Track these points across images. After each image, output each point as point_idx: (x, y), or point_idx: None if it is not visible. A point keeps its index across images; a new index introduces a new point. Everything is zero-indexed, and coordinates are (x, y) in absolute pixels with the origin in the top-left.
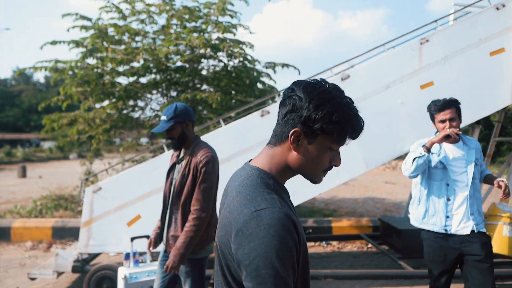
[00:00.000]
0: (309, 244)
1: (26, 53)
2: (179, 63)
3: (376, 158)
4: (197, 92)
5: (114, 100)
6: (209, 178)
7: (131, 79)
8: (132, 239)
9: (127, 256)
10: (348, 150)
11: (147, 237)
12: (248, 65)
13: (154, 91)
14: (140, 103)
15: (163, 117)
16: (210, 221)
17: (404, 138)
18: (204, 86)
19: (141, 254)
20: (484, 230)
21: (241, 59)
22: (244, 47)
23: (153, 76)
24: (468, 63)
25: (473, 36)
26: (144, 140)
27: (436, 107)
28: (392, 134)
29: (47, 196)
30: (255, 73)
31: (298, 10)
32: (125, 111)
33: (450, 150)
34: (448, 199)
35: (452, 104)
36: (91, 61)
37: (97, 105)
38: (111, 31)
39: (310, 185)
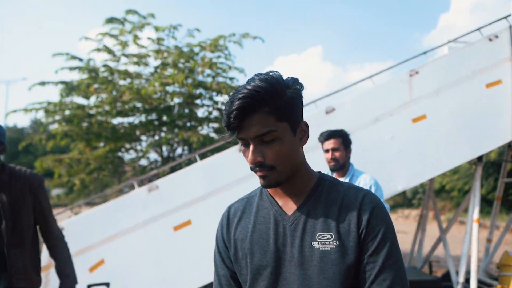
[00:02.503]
0: None
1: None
2: (173, 103)
3: None
4: (181, 132)
5: (103, 141)
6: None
7: (119, 120)
8: (89, 286)
9: None
10: None
11: (107, 284)
12: None
13: (143, 132)
14: (127, 145)
15: None
16: None
17: (396, 175)
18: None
19: None
20: None
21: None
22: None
23: (142, 117)
24: (463, 95)
25: (466, 68)
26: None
27: (322, 137)
28: (382, 171)
29: None
30: None
31: (309, 63)
32: (119, 154)
33: None
34: None
35: (336, 135)
36: (79, 100)
37: (83, 146)
38: (103, 70)
39: None
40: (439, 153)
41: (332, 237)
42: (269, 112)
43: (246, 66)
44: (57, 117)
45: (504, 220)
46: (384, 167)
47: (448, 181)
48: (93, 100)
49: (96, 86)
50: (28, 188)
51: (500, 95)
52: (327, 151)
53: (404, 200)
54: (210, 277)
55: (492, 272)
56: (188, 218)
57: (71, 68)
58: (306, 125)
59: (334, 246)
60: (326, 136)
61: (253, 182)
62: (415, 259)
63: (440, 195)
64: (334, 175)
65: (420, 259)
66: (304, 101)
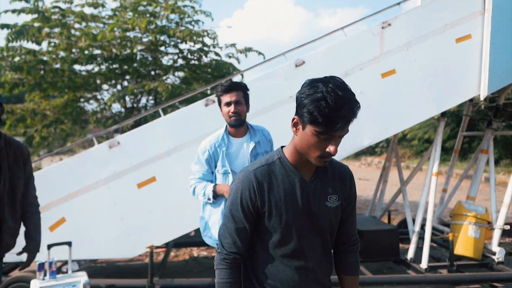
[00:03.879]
0: None
1: None
2: (136, 52)
3: None
4: (146, 82)
5: (60, 91)
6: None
7: (79, 68)
8: (49, 246)
9: (40, 266)
10: None
11: (69, 243)
12: (211, 53)
13: (104, 82)
14: (88, 94)
15: None
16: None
17: (364, 130)
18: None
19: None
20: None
21: (199, 46)
22: (204, 34)
23: (104, 65)
24: (433, 49)
25: (438, 21)
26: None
27: (222, 88)
28: (350, 126)
29: None
30: (214, 61)
31: (280, 7)
32: (80, 104)
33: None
34: None
35: (239, 87)
36: (30, 46)
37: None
38: (53, 12)
39: None
40: (405, 108)
41: (337, 198)
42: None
43: (213, 9)
44: (4, 64)
45: (458, 167)
46: (352, 122)
47: (409, 130)
48: (45, 45)
49: (47, 30)
50: (20, 155)
51: (469, 50)
52: (228, 104)
53: (368, 148)
54: (176, 233)
55: (445, 220)
56: (152, 174)
57: (16, 11)
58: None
59: (338, 204)
60: (227, 87)
61: None
62: (376, 209)
63: (401, 143)
64: (230, 131)
65: (380, 209)
66: (274, 51)
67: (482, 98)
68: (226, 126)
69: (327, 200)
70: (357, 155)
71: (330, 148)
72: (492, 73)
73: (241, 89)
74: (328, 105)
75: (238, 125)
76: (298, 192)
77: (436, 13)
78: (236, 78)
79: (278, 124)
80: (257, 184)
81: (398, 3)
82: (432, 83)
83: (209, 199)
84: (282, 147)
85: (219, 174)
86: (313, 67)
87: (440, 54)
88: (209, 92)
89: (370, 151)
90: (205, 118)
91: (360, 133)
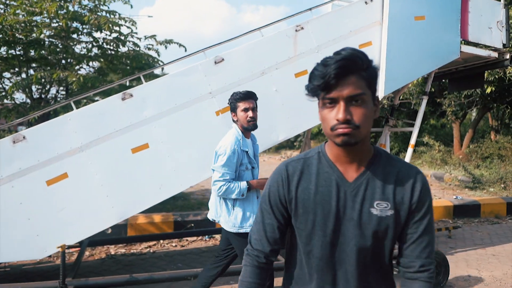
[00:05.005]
0: (191, 239)
1: None
2: (44, 37)
3: None
4: (55, 71)
5: None
6: None
7: None
8: None
9: None
10: (221, 138)
11: None
12: (129, 43)
13: (5, 69)
14: None
15: None
16: None
17: (279, 126)
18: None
19: None
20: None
21: (115, 35)
22: (122, 22)
23: (3, 49)
24: None
25: (344, 27)
26: None
27: (241, 95)
28: (268, 122)
29: None
30: (132, 51)
31: (203, 1)
32: None
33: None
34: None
35: (254, 96)
36: None
37: None
38: None
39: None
40: (315, 106)
41: (388, 206)
42: (363, 77)
43: None
44: None
45: None
46: (269, 118)
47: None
48: None
49: None
50: None
51: (370, 55)
52: (245, 110)
53: (288, 142)
54: (91, 230)
55: None
56: (64, 171)
57: None
58: (379, 101)
59: (389, 214)
60: (246, 95)
61: (137, 132)
62: None
63: (317, 138)
64: (242, 135)
65: None
66: (196, 44)
67: (379, 99)
68: (238, 129)
69: (373, 207)
70: (278, 149)
71: (338, 116)
72: (388, 77)
73: (256, 98)
74: (321, 62)
75: (254, 129)
76: (333, 191)
77: (342, 20)
78: (157, 71)
79: (198, 119)
80: (286, 177)
81: (310, 9)
82: None
83: (242, 195)
84: (325, 142)
85: (248, 170)
86: (232, 65)
87: None
88: (127, 84)
89: (290, 145)
90: (122, 112)
91: (276, 129)
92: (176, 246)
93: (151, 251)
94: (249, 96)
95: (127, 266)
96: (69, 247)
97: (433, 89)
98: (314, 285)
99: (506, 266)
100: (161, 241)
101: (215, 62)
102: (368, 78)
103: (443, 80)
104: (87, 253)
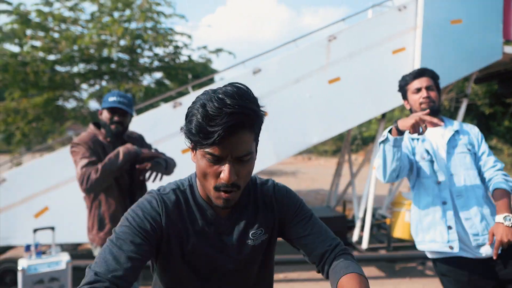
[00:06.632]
0: None
1: None
2: (114, 53)
3: (286, 149)
4: (124, 83)
5: (40, 90)
6: None
7: (59, 68)
8: (35, 230)
9: (27, 248)
10: (260, 141)
11: (52, 228)
12: (184, 55)
13: (82, 81)
14: (67, 93)
15: (121, 99)
16: None
17: (312, 130)
18: (145, 77)
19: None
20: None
21: (172, 48)
22: (179, 36)
23: (82, 66)
24: (372, 60)
25: (377, 35)
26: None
27: (410, 75)
28: (301, 126)
29: None
30: (189, 61)
31: (263, 4)
32: (59, 102)
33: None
34: (444, 202)
35: (428, 72)
36: (13, 48)
37: (19, 95)
38: (34, 17)
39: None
40: (348, 110)
41: (262, 232)
42: (252, 131)
43: (196, 5)
44: None
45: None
46: (302, 122)
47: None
48: (25, 47)
49: (29, 32)
50: (137, 139)
51: (403, 61)
52: (418, 90)
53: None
54: None
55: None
56: None
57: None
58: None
59: (264, 239)
60: (417, 73)
61: None
62: (332, 199)
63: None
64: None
65: (335, 199)
66: (255, 48)
67: None
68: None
69: (249, 238)
70: (335, 152)
71: (224, 177)
72: None
73: (432, 74)
74: (204, 110)
75: (434, 111)
76: (207, 229)
77: (375, 28)
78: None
79: None
80: (162, 209)
81: (343, 19)
82: (372, 88)
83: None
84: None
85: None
86: (268, 74)
87: (379, 63)
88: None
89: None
90: (173, 119)
91: (309, 132)
92: None
93: None
94: (422, 73)
95: None
96: None
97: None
98: None
99: None
100: None
101: (253, 73)
102: (258, 130)
103: (492, 81)
104: None
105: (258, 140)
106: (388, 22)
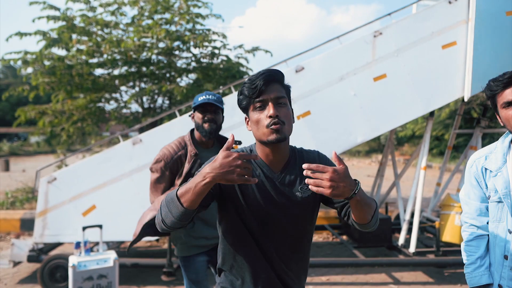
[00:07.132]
0: None
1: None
2: (153, 55)
3: (330, 149)
4: (163, 84)
5: (84, 92)
6: None
7: (100, 71)
8: (84, 228)
9: (77, 245)
10: (302, 140)
11: (100, 226)
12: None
13: (122, 83)
14: (107, 95)
15: (210, 96)
16: None
17: (357, 129)
18: (183, 78)
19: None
20: None
21: (210, 49)
22: (215, 36)
23: (123, 68)
24: (421, 55)
25: (425, 29)
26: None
27: (499, 82)
28: (345, 125)
29: (21, 189)
30: (223, 62)
31: (292, 5)
32: (100, 104)
33: None
34: (505, 256)
35: None
36: (60, 52)
37: (64, 97)
38: (79, 21)
39: None
40: (395, 108)
41: (308, 186)
42: (282, 85)
43: (226, 7)
44: (36, 68)
45: (452, 162)
46: (346, 121)
47: (420, 127)
48: (71, 50)
49: (74, 36)
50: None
51: (454, 55)
52: (509, 104)
53: (379, 146)
54: None
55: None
56: None
57: (49, 18)
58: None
59: (310, 193)
60: (509, 78)
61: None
62: None
63: (411, 141)
64: None
65: (377, 201)
66: (285, 48)
67: (465, 99)
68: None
69: (298, 191)
70: (368, 153)
71: (270, 112)
72: (475, 76)
73: None
74: (247, 80)
75: None
76: (266, 183)
77: (423, 22)
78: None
79: None
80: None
81: (389, 14)
82: (419, 85)
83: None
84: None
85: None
86: (312, 72)
87: (427, 59)
88: (220, 92)
89: (381, 149)
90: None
91: (354, 131)
92: None
93: None
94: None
95: None
96: None
97: None
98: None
99: None
100: None
101: (296, 71)
102: (287, 87)
103: None
104: None
105: (291, 100)
106: (437, 16)
